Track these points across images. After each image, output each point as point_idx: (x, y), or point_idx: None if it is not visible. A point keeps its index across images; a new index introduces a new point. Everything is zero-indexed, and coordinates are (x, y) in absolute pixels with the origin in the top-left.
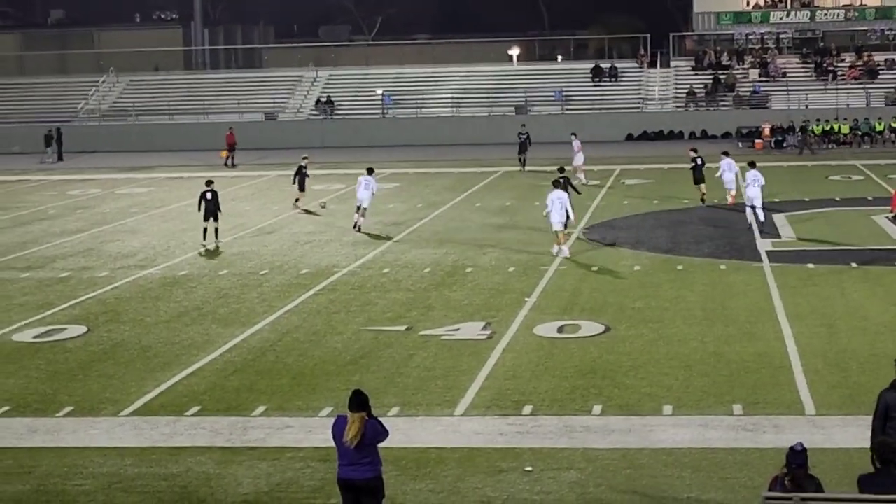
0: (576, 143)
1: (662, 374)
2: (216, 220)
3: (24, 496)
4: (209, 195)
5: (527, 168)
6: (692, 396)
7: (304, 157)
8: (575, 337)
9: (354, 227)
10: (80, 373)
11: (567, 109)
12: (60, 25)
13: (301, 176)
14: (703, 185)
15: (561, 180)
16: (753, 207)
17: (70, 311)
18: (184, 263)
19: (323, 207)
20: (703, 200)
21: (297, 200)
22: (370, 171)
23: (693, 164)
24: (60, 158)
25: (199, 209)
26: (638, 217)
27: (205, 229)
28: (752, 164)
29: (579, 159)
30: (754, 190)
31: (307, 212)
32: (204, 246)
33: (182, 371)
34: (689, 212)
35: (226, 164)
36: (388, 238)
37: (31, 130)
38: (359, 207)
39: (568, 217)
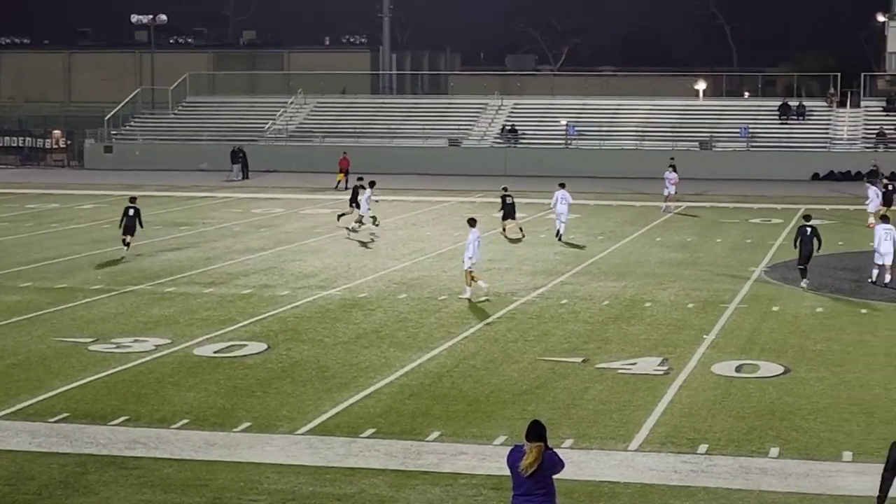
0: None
1: (843, 419)
2: (132, 234)
3: None
4: (131, 211)
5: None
6: (873, 444)
7: (504, 188)
8: (753, 377)
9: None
10: (258, 389)
11: (752, 147)
12: (252, 46)
13: (506, 205)
14: None
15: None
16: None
17: (251, 327)
18: (364, 286)
19: None
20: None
21: (503, 230)
22: (562, 186)
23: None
24: (246, 177)
25: (120, 225)
26: (821, 258)
27: (124, 240)
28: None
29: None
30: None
31: (511, 240)
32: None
33: (359, 392)
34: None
35: (336, 188)
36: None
37: (218, 148)
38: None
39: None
